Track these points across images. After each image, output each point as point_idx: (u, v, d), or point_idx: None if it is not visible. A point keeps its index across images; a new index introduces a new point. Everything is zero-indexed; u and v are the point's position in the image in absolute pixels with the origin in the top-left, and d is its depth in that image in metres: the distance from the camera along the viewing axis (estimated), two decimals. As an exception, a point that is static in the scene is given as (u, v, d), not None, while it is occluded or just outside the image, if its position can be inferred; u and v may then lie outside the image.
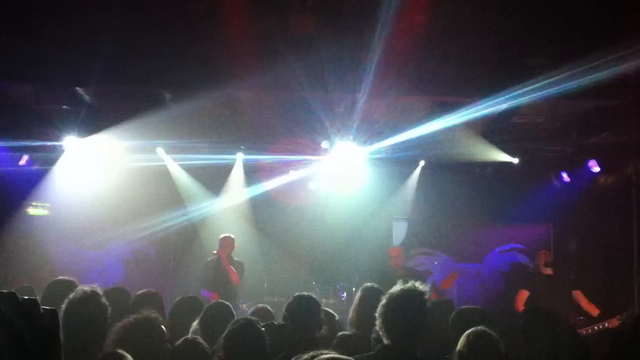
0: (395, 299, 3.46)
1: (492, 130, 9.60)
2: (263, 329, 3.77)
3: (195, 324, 4.69)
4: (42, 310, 1.34)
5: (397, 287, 3.51)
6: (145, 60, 7.34)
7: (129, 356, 3.28)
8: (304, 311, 4.27)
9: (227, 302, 4.96)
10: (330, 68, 7.43)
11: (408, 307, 3.43)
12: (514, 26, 7.31)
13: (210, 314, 4.70)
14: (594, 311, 7.81)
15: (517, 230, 11.40)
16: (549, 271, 8.20)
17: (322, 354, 2.24)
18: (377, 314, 3.49)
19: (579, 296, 8.03)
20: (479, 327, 3.55)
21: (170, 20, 7.23)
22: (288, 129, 9.49)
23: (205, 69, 7.48)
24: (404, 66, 7.33)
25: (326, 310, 5.47)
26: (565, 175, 10.55)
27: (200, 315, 4.70)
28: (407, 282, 3.53)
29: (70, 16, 7.19)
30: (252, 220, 11.02)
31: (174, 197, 10.98)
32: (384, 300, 3.51)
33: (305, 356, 2.56)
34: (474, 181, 10.92)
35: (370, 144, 9.89)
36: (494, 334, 3.52)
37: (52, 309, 1.34)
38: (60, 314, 3.37)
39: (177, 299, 5.54)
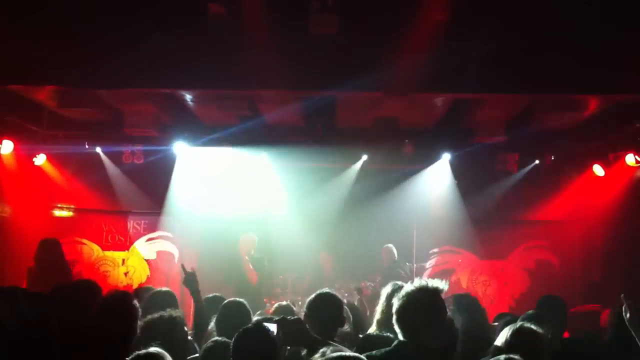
0: (408, 296, 3.51)
1: (515, 126, 9.54)
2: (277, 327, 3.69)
3: (212, 323, 4.72)
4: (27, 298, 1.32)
5: (411, 286, 3.55)
6: (165, 61, 7.37)
7: (167, 355, 3.31)
8: (324, 308, 4.24)
9: (242, 300, 4.94)
10: (351, 66, 7.41)
11: (421, 305, 3.46)
12: (537, 20, 7.24)
13: (225, 313, 4.71)
14: None
15: (542, 227, 11.29)
16: None
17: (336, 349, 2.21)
18: (393, 311, 3.53)
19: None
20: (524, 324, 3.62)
21: (190, 21, 7.25)
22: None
23: (225, 69, 7.49)
24: (425, 63, 7.27)
25: (351, 306, 5.45)
26: (598, 169, 10.38)
27: (217, 315, 4.72)
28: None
29: (90, 19, 7.24)
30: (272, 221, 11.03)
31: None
32: (399, 299, 3.55)
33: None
34: (497, 178, 10.82)
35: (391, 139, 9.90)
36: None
37: (40, 295, 1.32)
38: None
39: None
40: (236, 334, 3.51)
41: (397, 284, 5.03)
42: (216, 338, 4.18)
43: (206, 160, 10.74)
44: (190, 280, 5.47)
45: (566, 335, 4.93)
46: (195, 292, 5.40)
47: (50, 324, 1.35)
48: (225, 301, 5.05)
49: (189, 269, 5.56)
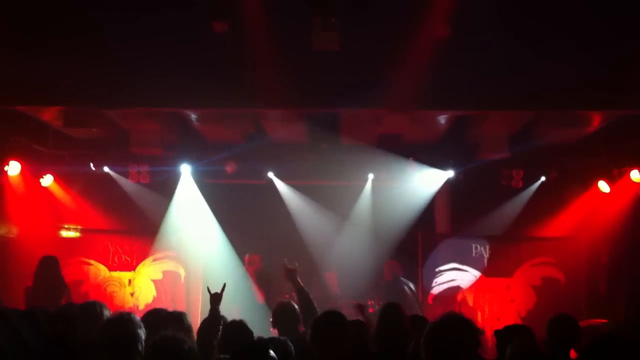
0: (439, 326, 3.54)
1: (519, 142, 9.54)
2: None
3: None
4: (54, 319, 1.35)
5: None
6: (170, 81, 7.42)
7: None
8: (328, 327, 4.22)
9: (244, 321, 4.92)
10: (354, 83, 7.46)
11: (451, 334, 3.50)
12: (539, 36, 7.28)
13: (227, 333, 4.70)
14: None
15: (547, 243, 11.24)
16: None
17: None
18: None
19: None
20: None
21: (194, 40, 7.32)
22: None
23: (229, 88, 7.54)
24: (427, 80, 7.32)
25: (358, 322, 5.43)
26: (603, 185, 10.37)
27: (219, 336, 4.71)
28: None
29: (95, 39, 7.31)
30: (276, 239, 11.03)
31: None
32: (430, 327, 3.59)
33: None
34: (502, 194, 10.80)
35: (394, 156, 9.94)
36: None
37: (68, 318, 1.35)
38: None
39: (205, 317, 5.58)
40: (235, 350, 3.47)
41: (391, 303, 5.03)
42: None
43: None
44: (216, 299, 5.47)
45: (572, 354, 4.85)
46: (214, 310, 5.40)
47: (71, 342, 1.37)
48: (228, 322, 5.04)
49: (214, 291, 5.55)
